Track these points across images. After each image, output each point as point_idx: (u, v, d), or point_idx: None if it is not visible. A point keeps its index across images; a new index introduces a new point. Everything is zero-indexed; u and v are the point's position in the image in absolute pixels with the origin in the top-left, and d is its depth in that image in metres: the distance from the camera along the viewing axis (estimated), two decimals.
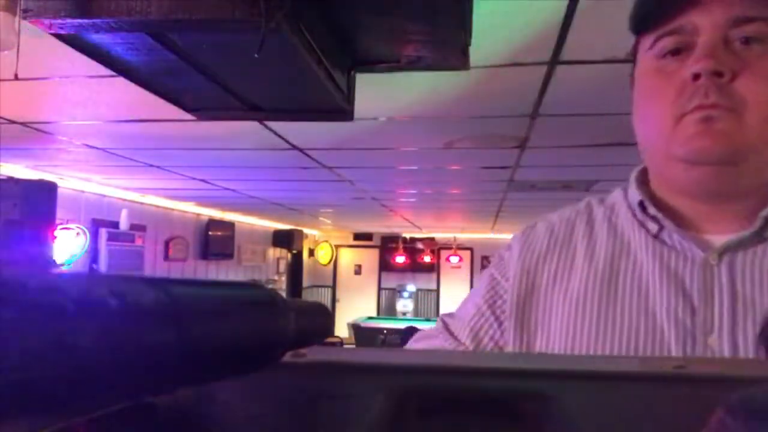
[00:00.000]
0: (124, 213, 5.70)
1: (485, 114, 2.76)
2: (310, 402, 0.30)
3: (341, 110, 1.28)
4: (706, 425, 0.24)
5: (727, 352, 0.60)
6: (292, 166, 4.15)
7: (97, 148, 3.65)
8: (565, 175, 4.27)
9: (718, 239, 0.66)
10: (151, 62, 1.05)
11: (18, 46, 1.14)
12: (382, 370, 0.37)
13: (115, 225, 5.68)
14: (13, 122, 3.02)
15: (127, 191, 5.76)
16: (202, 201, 6.65)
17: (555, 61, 2.03)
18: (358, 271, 12.07)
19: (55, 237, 4.07)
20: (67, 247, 5.06)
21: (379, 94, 2.42)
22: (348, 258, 12.13)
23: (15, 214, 3.13)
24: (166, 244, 6.75)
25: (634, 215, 0.72)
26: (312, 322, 0.33)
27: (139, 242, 6.05)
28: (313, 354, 0.37)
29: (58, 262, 4.85)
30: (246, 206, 7.13)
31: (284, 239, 10.01)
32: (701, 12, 0.62)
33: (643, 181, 0.75)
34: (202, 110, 1.32)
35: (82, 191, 5.36)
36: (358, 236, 11.91)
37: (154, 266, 6.47)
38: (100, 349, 0.17)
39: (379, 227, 10.87)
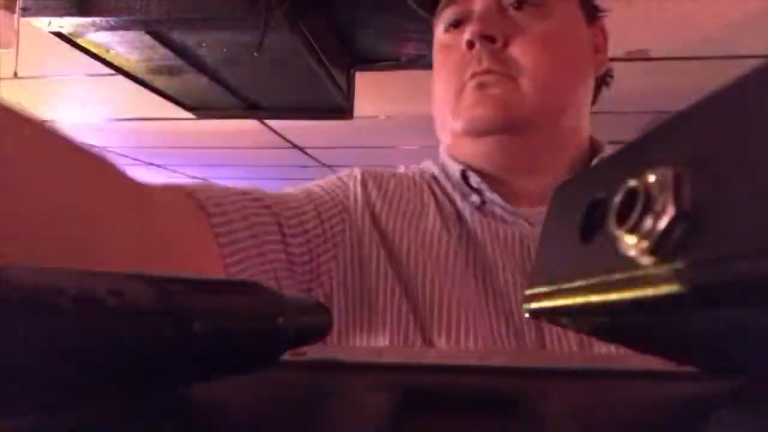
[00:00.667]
0: None
1: None
2: (310, 400, 0.30)
3: (341, 109, 1.28)
4: (705, 422, 0.24)
5: (534, 330, 0.57)
6: (292, 165, 4.15)
7: (96, 147, 3.64)
8: None
9: (539, 211, 0.62)
10: (151, 61, 1.05)
11: (17, 44, 1.14)
12: (381, 368, 0.37)
13: None
14: None
15: None
16: None
17: None
18: None
19: None
20: None
21: (379, 92, 2.42)
22: None
23: None
24: None
25: (455, 186, 0.66)
26: (312, 320, 0.33)
27: None
28: (313, 352, 0.37)
29: None
30: None
31: None
32: None
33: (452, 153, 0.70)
34: (201, 109, 1.32)
35: None
36: None
37: None
38: (97, 348, 0.17)
39: None
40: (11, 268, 0.15)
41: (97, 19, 0.90)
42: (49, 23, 0.91)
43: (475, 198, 0.64)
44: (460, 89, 0.61)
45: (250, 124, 2.90)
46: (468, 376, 0.35)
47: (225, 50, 1.01)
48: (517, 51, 0.59)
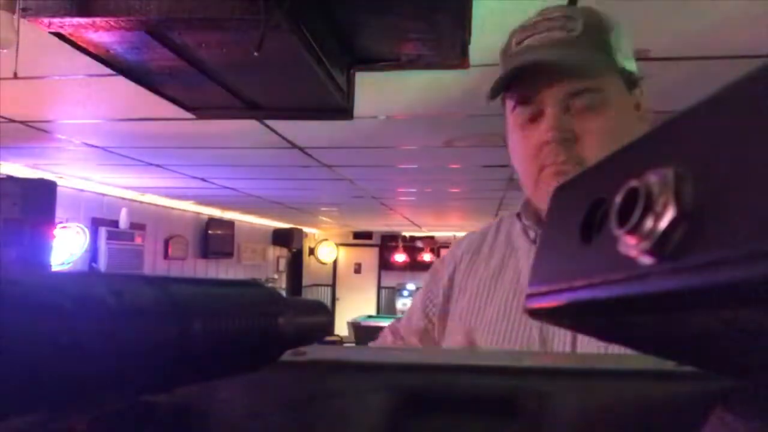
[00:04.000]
0: (123, 212, 5.70)
1: (485, 112, 2.76)
2: (310, 400, 0.30)
3: (341, 109, 1.28)
4: (705, 422, 0.24)
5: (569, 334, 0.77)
6: (292, 165, 4.15)
7: (96, 147, 3.65)
8: None
9: None
10: (151, 61, 1.05)
11: (17, 44, 1.14)
12: (381, 368, 0.37)
13: (115, 224, 5.68)
14: (13, 121, 3.02)
15: (126, 190, 5.76)
16: (201, 200, 6.65)
17: None
18: (357, 269, 12.07)
19: (55, 236, 4.07)
20: (67, 246, 5.05)
21: (378, 92, 2.42)
22: (348, 257, 12.13)
23: (15, 213, 3.13)
24: (166, 242, 6.75)
25: (522, 225, 0.92)
26: (312, 320, 0.33)
27: (138, 241, 6.05)
28: (312, 352, 0.37)
29: (58, 260, 4.85)
30: (246, 205, 7.13)
31: (284, 238, 10.01)
32: (545, 89, 0.79)
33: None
34: (201, 109, 1.32)
35: (82, 190, 5.36)
36: (357, 235, 11.90)
37: (154, 265, 6.47)
38: (99, 347, 0.17)
39: (378, 226, 10.87)
40: (13, 270, 0.15)
41: (97, 19, 0.90)
42: (49, 23, 0.91)
43: (531, 234, 0.89)
44: (541, 168, 0.80)
45: (250, 124, 2.90)
46: (468, 376, 0.35)
47: (225, 50, 1.01)
48: (586, 146, 0.78)
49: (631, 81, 0.84)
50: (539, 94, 0.80)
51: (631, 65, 0.85)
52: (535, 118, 0.81)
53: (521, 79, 0.81)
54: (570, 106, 0.79)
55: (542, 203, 0.86)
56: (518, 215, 0.92)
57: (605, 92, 0.80)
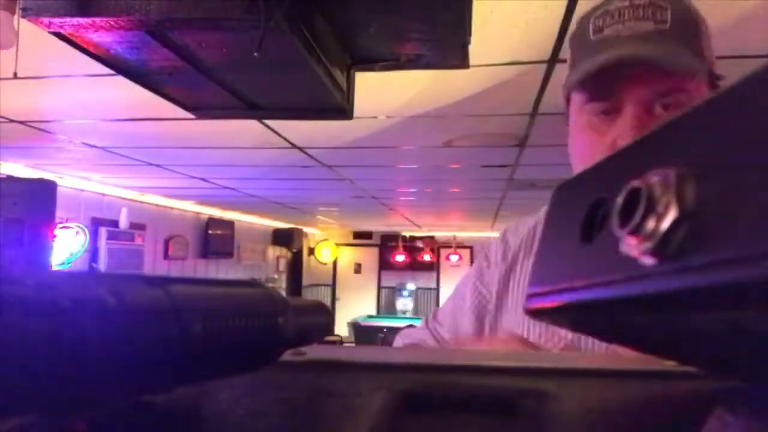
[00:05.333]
0: (123, 212, 5.70)
1: (485, 112, 2.76)
2: (310, 400, 0.30)
3: (341, 109, 1.28)
4: (705, 422, 0.24)
5: None
6: (292, 165, 4.15)
7: (96, 147, 3.65)
8: (565, 173, 4.24)
9: None
10: (151, 61, 1.05)
11: (17, 44, 1.14)
12: (381, 368, 0.37)
13: (115, 224, 5.68)
14: (13, 121, 3.02)
15: (126, 190, 5.76)
16: (201, 200, 6.65)
17: (555, 59, 2.03)
18: (357, 269, 12.07)
19: (55, 236, 4.07)
20: (67, 245, 5.05)
21: (378, 92, 2.42)
22: (348, 257, 12.13)
23: (15, 212, 3.13)
24: (166, 242, 6.75)
25: None
26: (312, 320, 0.33)
27: (138, 241, 6.05)
28: (312, 352, 0.37)
29: (58, 260, 4.85)
30: (246, 205, 7.13)
31: (284, 238, 10.01)
32: (630, 86, 0.72)
33: None
34: (201, 109, 1.32)
35: (82, 190, 5.36)
36: (357, 235, 11.90)
37: (154, 265, 6.47)
38: (99, 347, 0.17)
39: (378, 226, 10.86)
40: (13, 270, 0.15)
41: (97, 20, 0.90)
42: (49, 23, 0.91)
43: None
44: None
45: (250, 124, 2.90)
46: (468, 376, 0.35)
47: (225, 50, 1.01)
48: None
49: (714, 85, 0.76)
50: (621, 90, 0.73)
51: (715, 67, 0.79)
52: (609, 113, 0.75)
53: (602, 72, 0.73)
54: (652, 107, 0.72)
55: None
56: None
57: (692, 95, 0.73)
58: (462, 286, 0.95)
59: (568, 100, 0.85)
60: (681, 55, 0.73)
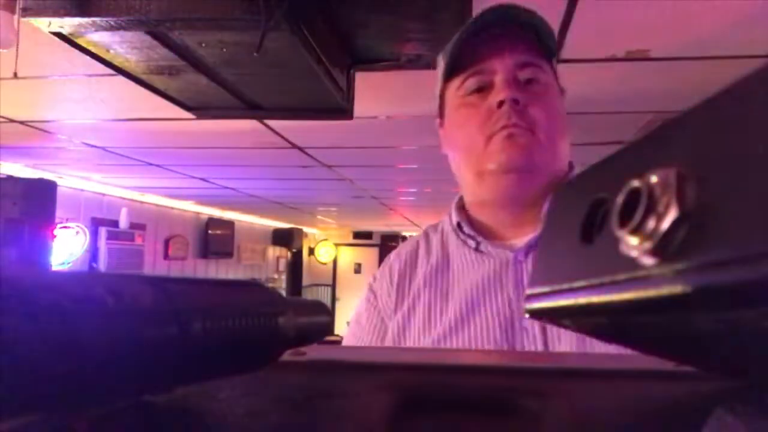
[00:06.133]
0: (123, 212, 5.70)
1: None
2: (310, 400, 0.30)
3: (341, 109, 1.28)
4: (705, 422, 0.24)
5: (537, 332, 0.74)
6: (292, 165, 4.15)
7: (96, 147, 3.65)
8: None
9: (521, 242, 0.83)
10: (151, 61, 1.05)
11: (17, 44, 1.14)
12: (381, 368, 0.37)
13: (115, 224, 5.68)
14: (13, 121, 3.02)
15: (126, 190, 5.76)
16: (201, 200, 6.65)
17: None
18: (357, 269, 12.07)
19: (55, 236, 4.07)
20: (67, 245, 5.05)
21: (378, 92, 2.42)
22: (348, 257, 12.13)
23: (15, 212, 3.12)
24: (166, 242, 6.75)
25: (458, 236, 0.89)
26: (312, 320, 0.33)
27: (138, 241, 6.04)
28: (312, 352, 0.37)
29: (58, 260, 4.85)
30: (246, 205, 7.13)
31: (284, 238, 10.01)
32: (497, 58, 0.81)
33: (461, 206, 0.93)
34: (201, 109, 1.32)
35: (82, 190, 5.36)
36: (357, 235, 11.90)
37: (154, 265, 6.47)
38: (98, 347, 0.17)
39: (378, 226, 10.86)
40: (13, 270, 0.15)
41: (97, 19, 0.90)
42: (49, 23, 0.91)
43: (471, 243, 0.87)
44: (489, 137, 0.80)
45: (250, 124, 2.90)
46: (468, 376, 0.35)
47: (225, 50, 1.01)
48: (533, 113, 0.79)
49: (554, 69, 0.88)
50: (489, 65, 0.81)
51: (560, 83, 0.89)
52: (481, 89, 0.82)
53: (473, 51, 0.82)
54: (518, 77, 0.81)
55: (488, 184, 0.84)
56: (459, 225, 0.89)
57: (544, 69, 0.83)
58: (355, 325, 0.95)
59: (442, 99, 0.90)
60: (545, 21, 0.82)
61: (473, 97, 0.83)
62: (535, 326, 0.75)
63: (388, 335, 0.88)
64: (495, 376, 0.35)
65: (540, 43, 0.84)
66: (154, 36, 0.96)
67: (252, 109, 1.30)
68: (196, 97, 1.26)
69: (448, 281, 0.86)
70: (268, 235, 9.81)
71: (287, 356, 0.33)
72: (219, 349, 0.24)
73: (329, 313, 0.35)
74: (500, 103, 0.79)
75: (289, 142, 3.41)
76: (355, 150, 3.62)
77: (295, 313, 0.29)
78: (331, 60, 1.11)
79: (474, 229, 0.87)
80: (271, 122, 2.93)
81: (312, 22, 1.00)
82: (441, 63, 0.90)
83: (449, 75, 0.86)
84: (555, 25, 1.77)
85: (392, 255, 0.97)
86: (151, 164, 4.27)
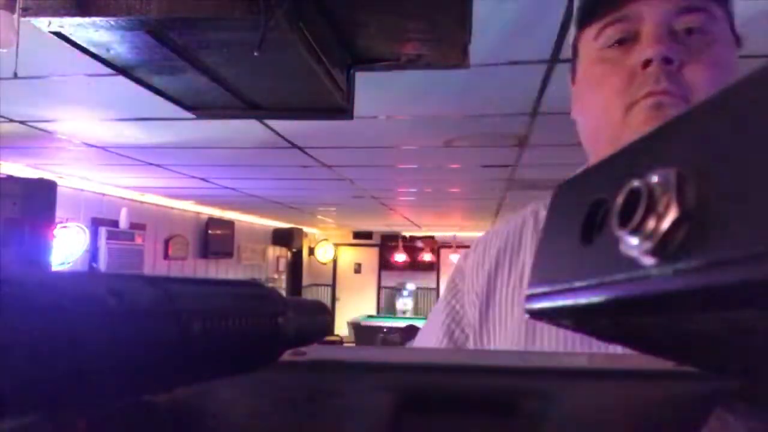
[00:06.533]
0: (123, 212, 5.70)
1: (485, 112, 2.76)
2: (310, 400, 0.30)
3: (341, 109, 1.28)
4: (705, 422, 0.24)
5: None
6: (292, 165, 4.15)
7: (96, 147, 3.65)
8: (565, 173, 4.24)
9: None
10: (151, 61, 1.05)
11: (17, 44, 1.14)
12: (381, 368, 0.37)
13: (115, 224, 5.68)
14: (13, 121, 3.02)
15: (126, 190, 5.76)
16: (201, 199, 6.65)
17: (555, 59, 2.03)
18: (357, 269, 12.07)
19: (55, 236, 4.07)
20: (67, 245, 5.05)
21: (378, 92, 2.42)
22: (348, 256, 12.13)
23: (15, 212, 3.12)
24: (166, 242, 6.75)
25: None
26: (312, 320, 0.33)
27: (138, 241, 6.05)
28: (312, 352, 0.37)
29: (58, 260, 4.85)
30: (246, 205, 7.13)
31: (284, 238, 10.01)
32: (644, 3, 0.63)
33: None
34: (201, 109, 1.32)
35: (82, 190, 5.36)
36: (357, 235, 11.90)
37: (154, 265, 6.47)
38: (98, 348, 0.17)
39: (378, 226, 10.87)
40: (13, 270, 0.15)
41: (97, 19, 0.90)
42: (49, 23, 0.91)
43: None
44: (631, 105, 0.63)
45: (250, 124, 2.90)
46: (468, 376, 0.35)
47: (225, 50, 1.01)
48: (690, 75, 0.61)
49: (737, 36, 0.68)
50: (636, 10, 0.63)
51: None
52: (623, 41, 0.65)
53: None
54: (674, 27, 0.62)
55: None
56: None
57: (714, 16, 0.64)
58: (435, 307, 0.85)
59: (575, 50, 0.74)
60: None
61: (613, 50, 0.65)
62: None
63: (463, 322, 0.77)
64: (495, 376, 0.35)
65: None
66: (154, 36, 0.95)
67: (252, 109, 1.30)
68: (196, 97, 1.26)
69: None
70: (268, 235, 9.81)
71: (287, 356, 0.33)
72: (219, 349, 0.24)
73: (329, 313, 0.35)
74: (647, 62, 0.61)
75: (289, 142, 3.41)
76: (355, 150, 3.63)
77: (295, 313, 0.29)
78: (331, 59, 1.11)
79: None
80: (271, 122, 2.93)
81: (312, 22, 1.00)
82: (576, 4, 0.73)
83: (585, 20, 0.69)
84: (555, 25, 1.77)
85: (490, 236, 0.82)
86: (151, 164, 4.27)
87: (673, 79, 0.61)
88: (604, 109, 0.66)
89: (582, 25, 0.69)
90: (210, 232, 7.60)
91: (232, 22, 0.90)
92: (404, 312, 11.07)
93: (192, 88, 1.19)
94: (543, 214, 0.78)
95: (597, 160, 0.69)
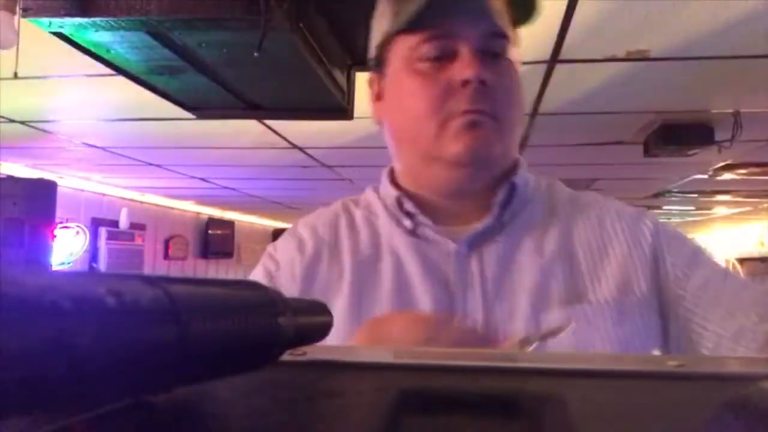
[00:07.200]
0: (123, 212, 5.71)
1: None
2: (309, 400, 0.30)
3: (341, 109, 1.28)
4: (705, 422, 0.24)
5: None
6: (292, 165, 4.15)
7: (96, 147, 3.65)
8: (565, 173, 4.27)
9: (465, 230, 0.71)
10: (151, 61, 1.05)
11: (17, 44, 1.14)
12: (381, 368, 0.37)
13: (115, 224, 5.68)
14: (13, 121, 3.02)
15: (126, 190, 5.76)
16: (201, 200, 6.65)
17: (555, 59, 2.03)
18: None
19: (55, 236, 4.07)
20: (67, 245, 5.06)
21: None
22: None
23: (15, 212, 3.13)
24: (166, 242, 6.75)
25: (390, 213, 0.76)
26: (312, 320, 0.33)
27: (138, 241, 6.05)
28: (312, 352, 0.37)
29: (58, 260, 4.85)
30: (246, 205, 7.13)
31: None
32: (467, 22, 0.66)
33: (393, 179, 0.80)
34: (201, 109, 1.32)
35: (82, 190, 5.36)
36: None
37: (154, 265, 6.47)
38: (98, 347, 0.17)
39: None
40: (13, 270, 0.15)
41: (97, 19, 0.90)
42: (49, 23, 0.91)
43: (407, 224, 0.73)
44: (447, 120, 0.67)
45: (250, 124, 2.90)
46: (468, 376, 0.35)
47: (225, 50, 1.01)
48: (498, 95, 0.67)
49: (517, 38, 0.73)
50: (455, 30, 0.66)
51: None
52: (441, 59, 0.67)
53: (436, 9, 0.65)
54: (485, 50, 0.67)
55: (437, 172, 0.71)
56: (399, 201, 0.74)
57: (511, 41, 0.69)
58: None
59: (381, 56, 0.74)
60: None
61: (430, 65, 0.67)
62: (478, 327, 0.66)
63: None
64: (495, 377, 0.35)
65: (514, 4, 0.68)
66: (154, 36, 0.96)
67: (252, 109, 1.30)
68: (196, 97, 1.26)
69: (379, 272, 0.72)
70: (267, 235, 9.81)
71: (287, 356, 0.33)
72: (219, 349, 0.24)
73: (329, 313, 0.35)
74: (465, 82, 0.65)
75: (289, 142, 3.41)
76: (355, 150, 3.62)
77: (295, 313, 0.29)
78: (331, 60, 1.11)
79: (418, 207, 0.73)
80: (271, 122, 2.93)
81: (312, 22, 1.00)
82: (387, 7, 0.72)
83: (402, 30, 0.69)
84: (554, 26, 1.77)
85: (301, 227, 0.80)
86: (151, 164, 4.27)
87: (486, 98, 0.66)
88: (419, 120, 0.69)
89: (397, 33, 0.70)
90: (210, 232, 7.60)
91: (232, 22, 0.90)
92: None
93: (192, 88, 1.19)
94: (358, 213, 0.80)
95: (404, 170, 0.71)
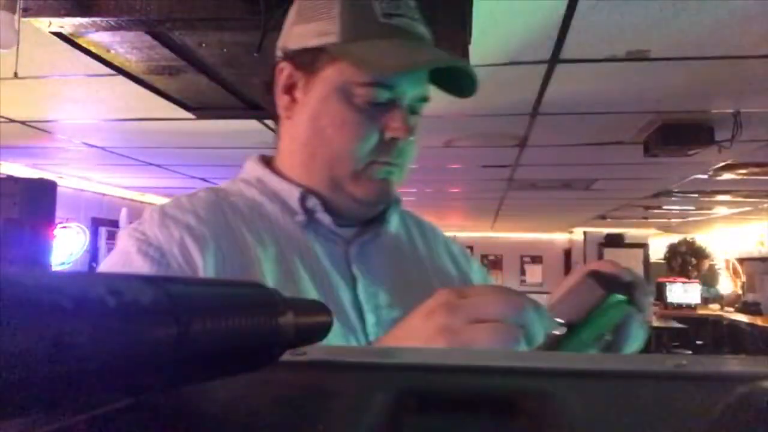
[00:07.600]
0: (123, 212, 5.70)
1: (485, 113, 2.76)
2: (310, 400, 0.30)
3: None
4: (705, 422, 0.24)
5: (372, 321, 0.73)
6: None
7: (96, 147, 3.65)
8: (565, 173, 4.27)
9: (354, 231, 0.81)
10: (151, 61, 1.05)
11: (18, 44, 1.14)
12: (381, 368, 0.37)
13: (115, 224, 5.68)
14: (13, 121, 3.02)
15: (126, 190, 5.76)
16: None
17: (555, 59, 2.03)
18: None
19: (55, 236, 4.07)
20: (67, 245, 5.06)
21: None
22: None
23: (15, 212, 3.13)
24: None
25: (283, 205, 0.79)
26: (312, 320, 0.33)
27: None
28: (312, 352, 0.37)
29: (58, 260, 4.85)
30: None
31: None
32: (411, 83, 0.74)
33: (276, 170, 0.86)
34: (202, 109, 1.32)
35: (82, 190, 5.36)
36: None
37: None
38: (98, 347, 0.17)
39: None
40: (12, 269, 0.15)
41: (97, 19, 0.90)
42: (49, 23, 0.91)
43: (300, 218, 0.77)
44: (369, 163, 0.74)
45: (250, 124, 2.90)
46: (468, 376, 0.35)
47: (225, 50, 1.01)
48: (409, 151, 0.78)
49: None
50: (401, 86, 0.73)
51: None
52: (383, 104, 0.73)
53: (398, 50, 0.72)
54: (413, 110, 0.78)
55: (344, 202, 0.77)
56: (301, 201, 0.77)
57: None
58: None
59: (311, 66, 0.75)
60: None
61: (370, 106, 0.73)
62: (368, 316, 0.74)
63: None
64: (496, 377, 0.35)
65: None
66: (154, 36, 0.96)
67: (252, 109, 1.31)
68: (196, 97, 1.26)
69: (287, 259, 0.73)
70: None
71: (287, 356, 0.33)
72: (219, 349, 0.24)
73: (329, 313, 0.35)
74: (394, 139, 0.74)
75: None
76: None
77: (295, 313, 0.29)
78: None
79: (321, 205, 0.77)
80: (271, 122, 2.93)
81: None
82: (343, 16, 0.72)
83: (368, 80, 0.72)
84: (555, 26, 1.77)
85: (178, 213, 0.75)
86: (151, 164, 4.28)
87: (402, 153, 0.76)
88: (342, 153, 0.75)
89: (341, 59, 0.72)
90: None
91: (232, 23, 0.90)
92: None
93: (192, 88, 1.19)
94: (239, 203, 0.80)
95: (305, 174, 0.75)
